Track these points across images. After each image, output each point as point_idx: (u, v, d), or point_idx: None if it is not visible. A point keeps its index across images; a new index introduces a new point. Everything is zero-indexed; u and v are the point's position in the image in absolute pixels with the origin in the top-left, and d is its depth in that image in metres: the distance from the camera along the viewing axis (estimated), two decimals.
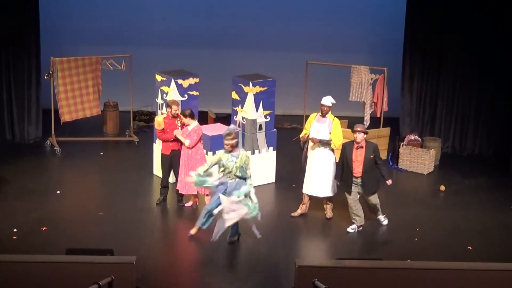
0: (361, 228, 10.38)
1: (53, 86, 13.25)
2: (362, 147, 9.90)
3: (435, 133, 14.03)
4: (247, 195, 9.28)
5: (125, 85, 14.01)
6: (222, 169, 9.36)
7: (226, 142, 9.33)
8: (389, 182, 10.29)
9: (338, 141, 10.43)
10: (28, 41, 13.42)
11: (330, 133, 10.38)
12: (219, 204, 9.30)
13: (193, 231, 9.81)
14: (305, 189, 10.72)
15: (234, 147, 9.34)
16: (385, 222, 10.59)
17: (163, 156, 10.84)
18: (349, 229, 10.36)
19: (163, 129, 10.65)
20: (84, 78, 13.45)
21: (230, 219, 9.28)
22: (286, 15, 15.50)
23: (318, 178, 10.54)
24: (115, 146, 14.08)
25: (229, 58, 15.58)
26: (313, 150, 10.56)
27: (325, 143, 10.41)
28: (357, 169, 9.96)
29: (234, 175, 9.30)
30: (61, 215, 10.59)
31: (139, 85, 14.36)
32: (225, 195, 9.25)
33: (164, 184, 10.98)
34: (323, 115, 10.42)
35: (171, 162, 10.77)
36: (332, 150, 10.53)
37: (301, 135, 10.76)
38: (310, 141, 10.52)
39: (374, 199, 10.27)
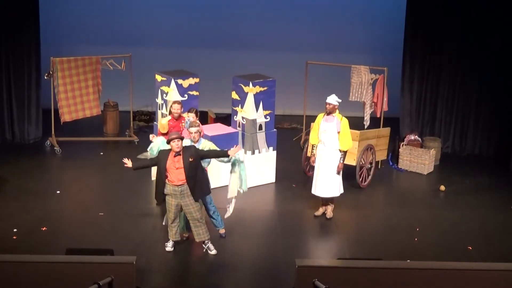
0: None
1: (53, 86, 13.26)
2: (180, 155, 8.98)
3: (435, 133, 14.03)
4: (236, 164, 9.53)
5: (125, 85, 14.02)
6: None
7: (191, 130, 9.43)
8: (234, 149, 9.18)
9: (346, 145, 10.39)
10: (28, 41, 13.42)
11: (338, 132, 10.37)
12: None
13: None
14: (313, 190, 10.72)
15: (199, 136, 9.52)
16: (214, 252, 9.44)
17: None
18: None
19: (167, 132, 10.57)
20: (84, 78, 13.45)
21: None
22: (286, 15, 15.50)
23: (326, 179, 10.52)
24: (115, 146, 14.09)
25: (229, 58, 15.58)
26: (320, 152, 10.54)
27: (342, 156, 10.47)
28: (177, 176, 9.00)
29: None
30: (61, 215, 10.59)
31: (139, 85, 14.36)
32: None
33: None
34: (328, 113, 10.40)
35: None
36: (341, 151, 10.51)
37: (310, 153, 10.77)
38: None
39: (196, 211, 9.20)
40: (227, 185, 10.61)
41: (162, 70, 12.19)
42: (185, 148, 9.07)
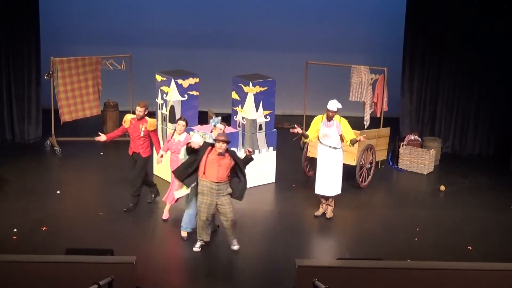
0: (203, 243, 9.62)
1: (53, 86, 13.26)
2: (223, 155, 9.16)
3: (435, 133, 14.03)
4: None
5: (125, 85, 14.01)
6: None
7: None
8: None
9: (353, 136, 10.46)
10: (28, 41, 13.42)
11: (340, 134, 10.37)
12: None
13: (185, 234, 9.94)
14: (317, 190, 10.71)
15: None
16: (236, 247, 9.56)
17: (129, 156, 10.86)
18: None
19: (127, 128, 10.57)
20: (84, 78, 13.45)
21: None
22: (286, 15, 15.50)
23: (328, 178, 10.52)
24: (115, 146, 14.06)
25: (229, 58, 15.58)
26: (321, 152, 10.54)
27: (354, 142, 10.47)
28: (217, 174, 9.16)
29: None
30: (61, 215, 10.59)
31: (139, 85, 14.36)
32: None
33: (147, 183, 10.87)
34: (329, 119, 10.40)
35: (136, 164, 10.68)
36: (341, 149, 10.53)
37: (306, 140, 10.69)
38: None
39: (230, 212, 9.32)
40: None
41: (162, 70, 12.19)
42: (229, 151, 9.27)
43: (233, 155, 9.30)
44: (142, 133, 10.49)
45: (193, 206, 9.71)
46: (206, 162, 9.15)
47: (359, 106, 13.55)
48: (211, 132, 9.88)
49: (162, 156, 10.44)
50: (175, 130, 10.32)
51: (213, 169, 9.13)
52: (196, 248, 9.53)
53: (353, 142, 10.42)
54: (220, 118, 10.09)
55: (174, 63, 13.68)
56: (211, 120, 10.04)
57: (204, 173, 9.18)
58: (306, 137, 10.63)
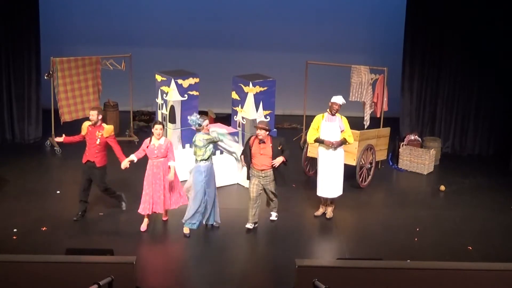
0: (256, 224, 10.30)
1: (53, 86, 13.26)
2: (264, 142, 9.85)
3: (435, 133, 14.03)
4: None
5: (125, 85, 14.02)
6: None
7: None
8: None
9: (351, 137, 10.50)
10: (28, 41, 13.43)
11: (342, 131, 10.37)
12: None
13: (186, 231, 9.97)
14: (319, 192, 10.69)
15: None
16: (273, 218, 10.58)
17: (82, 165, 10.40)
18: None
19: (83, 135, 10.21)
20: (84, 78, 13.46)
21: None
22: (286, 15, 15.50)
23: (331, 180, 10.51)
24: None
25: (229, 58, 15.58)
26: (323, 153, 10.51)
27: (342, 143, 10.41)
28: (261, 162, 9.88)
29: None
30: (61, 215, 10.59)
31: (139, 85, 14.36)
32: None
33: (81, 198, 10.42)
34: (333, 114, 10.39)
35: (88, 174, 10.30)
36: (342, 150, 10.54)
37: (311, 140, 10.59)
38: (330, 145, 10.33)
39: (273, 187, 10.16)
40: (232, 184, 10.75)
41: (162, 70, 12.19)
42: (273, 138, 9.97)
43: (274, 143, 9.84)
44: (98, 140, 10.13)
45: (201, 203, 9.79)
46: (252, 153, 9.88)
47: (359, 106, 13.55)
48: (199, 131, 9.68)
49: (130, 161, 9.95)
50: (151, 136, 9.94)
51: (258, 158, 9.86)
52: (248, 226, 10.13)
53: (341, 143, 10.40)
54: (198, 116, 9.75)
55: (174, 63, 13.69)
56: (190, 122, 9.75)
57: (251, 162, 9.94)
58: (322, 141, 10.51)
